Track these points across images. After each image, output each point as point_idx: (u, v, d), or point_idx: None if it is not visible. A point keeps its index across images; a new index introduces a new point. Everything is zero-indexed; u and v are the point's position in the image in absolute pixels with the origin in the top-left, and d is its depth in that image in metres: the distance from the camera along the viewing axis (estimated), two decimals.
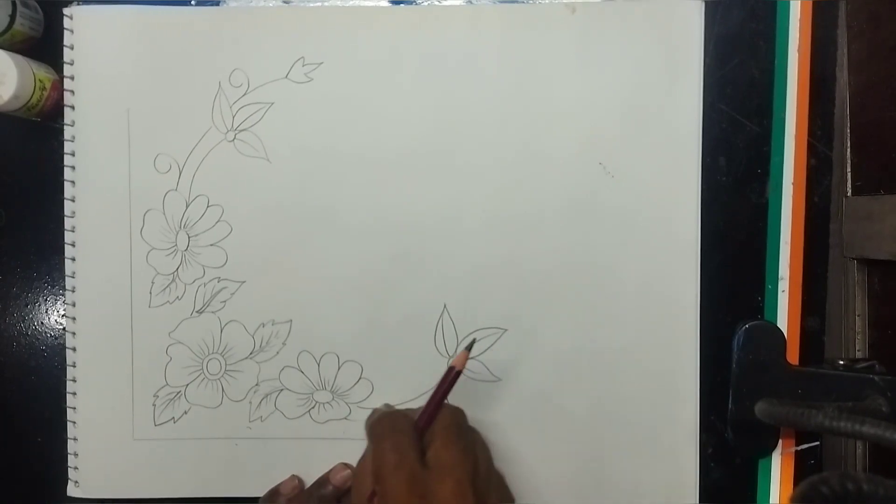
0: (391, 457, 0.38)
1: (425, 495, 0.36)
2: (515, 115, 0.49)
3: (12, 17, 0.47)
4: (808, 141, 0.49)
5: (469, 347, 0.44)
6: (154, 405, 0.50)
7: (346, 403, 0.50)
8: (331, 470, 0.49)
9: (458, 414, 0.42)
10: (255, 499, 0.50)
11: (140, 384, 0.50)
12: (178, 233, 0.50)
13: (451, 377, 0.42)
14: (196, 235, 0.50)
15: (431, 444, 0.39)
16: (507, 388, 0.49)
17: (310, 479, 0.50)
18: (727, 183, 0.49)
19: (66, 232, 0.50)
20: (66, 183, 0.50)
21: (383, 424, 0.41)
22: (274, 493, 0.49)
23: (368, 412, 0.49)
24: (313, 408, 0.50)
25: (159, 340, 0.50)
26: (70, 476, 0.51)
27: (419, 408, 0.43)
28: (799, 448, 0.49)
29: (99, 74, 0.50)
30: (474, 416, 0.48)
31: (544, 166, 0.49)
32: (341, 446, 0.50)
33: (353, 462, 0.49)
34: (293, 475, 0.50)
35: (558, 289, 0.49)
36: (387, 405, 0.48)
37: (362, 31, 0.49)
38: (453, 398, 0.42)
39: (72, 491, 0.51)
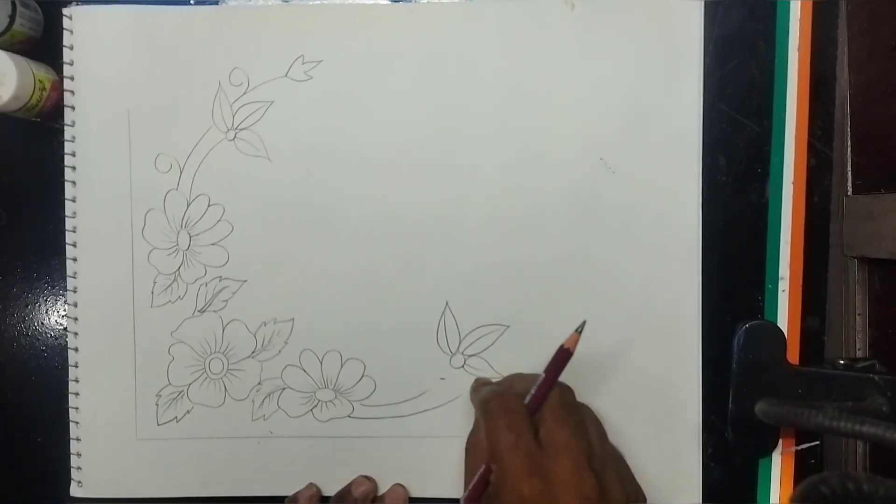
0: (507, 436, 0.38)
1: (544, 475, 0.36)
2: (515, 112, 0.49)
3: (12, 18, 0.47)
4: (808, 141, 0.49)
5: (580, 330, 0.42)
6: (157, 405, 0.50)
7: (349, 401, 0.50)
8: (352, 482, 0.49)
9: (568, 392, 0.42)
10: (258, 498, 0.51)
11: (142, 384, 0.50)
12: (179, 232, 0.50)
13: (562, 358, 0.42)
14: (197, 235, 0.50)
15: (543, 423, 0.39)
16: None
17: (312, 479, 0.50)
18: (727, 183, 0.49)
19: (67, 232, 0.50)
20: (66, 183, 0.50)
21: (496, 403, 0.40)
22: (292, 501, 0.49)
23: (370, 410, 0.50)
24: (316, 406, 0.50)
25: (161, 340, 0.50)
26: (73, 476, 0.51)
27: (521, 378, 0.43)
28: (799, 448, 0.49)
29: (99, 74, 0.50)
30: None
31: (545, 162, 0.49)
32: (344, 444, 0.50)
33: (365, 471, 0.50)
34: (310, 483, 0.50)
35: (560, 286, 0.49)
36: (485, 379, 0.47)
37: (361, 29, 0.49)
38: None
39: (75, 491, 0.51)
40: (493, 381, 0.47)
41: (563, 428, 0.38)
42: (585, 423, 0.40)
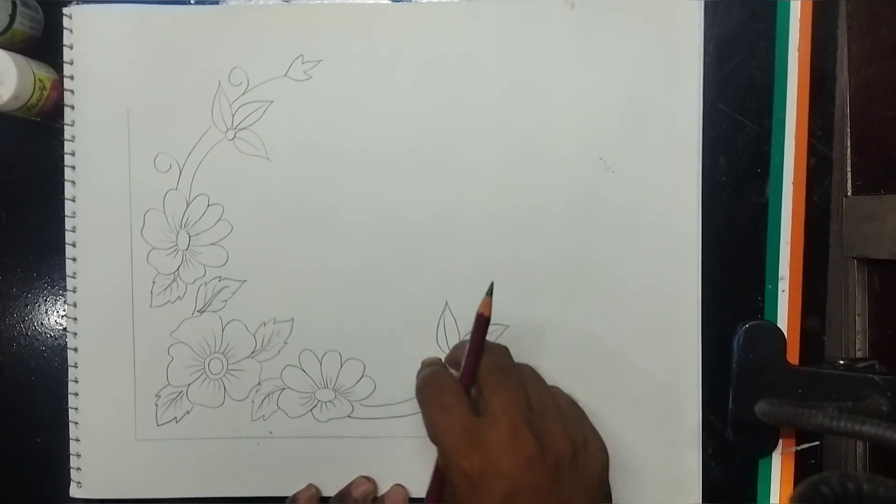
0: (442, 417, 0.38)
1: (482, 445, 0.37)
2: (515, 111, 0.49)
3: (12, 17, 0.47)
4: (808, 141, 0.49)
5: (490, 292, 0.42)
6: (156, 405, 0.50)
7: (349, 401, 0.50)
8: (351, 483, 0.49)
9: (500, 354, 0.42)
10: (257, 498, 0.50)
11: (142, 384, 0.50)
12: (178, 232, 0.50)
13: (480, 325, 0.42)
14: (197, 235, 0.50)
15: (480, 392, 0.39)
16: None
17: (312, 479, 0.50)
18: (727, 183, 0.49)
19: (66, 232, 0.50)
20: (66, 183, 0.50)
21: (428, 388, 0.41)
22: (292, 502, 0.49)
23: (370, 410, 0.50)
24: (315, 406, 0.50)
25: (161, 340, 0.50)
26: (73, 477, 0.51)
27: (463, 347, 0.43)
28: (799, 448, 0.49)
29: (99, 74, 0.50)
30: None
31: (545, 162, 0.49)
32: (344, 444, 0.50)
33: (364, 471, 0.50)
34: (310, 484, 0.50)
35: (560, 285, 0.49)
36: (431, 359, 0.46)
37: (361, 29, 0.49)
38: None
39: (74, 492, 0.51)
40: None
41: (498, 393, 0.39)
42: (522, 381, 0.40)
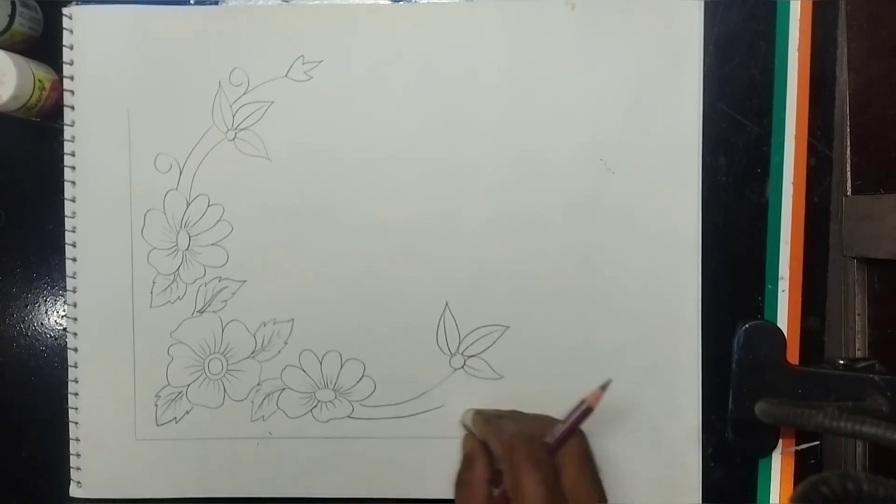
0: (537, 489, 0.38)
1: None
2: (515, 111, 0.49)
3: (12, 17, 0.47)
4: (808, 141, 0.49)
5: (604, 387, 0.43)
6: (156, 405, 0.50)
7: (349, 402, 0.50)
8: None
9: (586, 440, 0.43)
10: (257, 499, 0.51)
11: (142, 384, 0.50)
12: (178, 232, 0.50)
13: (585, 413, 0.43)
14: (197, 235, 0.50)
15: (565, 469, 0.41)
16: (508, 385, 0.49)
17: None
18: (727, 183, 0.49)
19: (66, 232, 0.50)
20: (66, 183, 0.50)
21: (524, 451, 0.40)
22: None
23: (370, 410, 0.50)
24: (315, 406, 0.50)
25: (161, 340, 0.50)
26: (72, 476, 0.51)
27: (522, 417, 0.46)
28: (799, 448, 0.49)
29: (98, 74, 0.50)
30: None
31: (545, 163, 0.49)
32: (344, 445, 0.50)
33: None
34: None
35: (560, 286, 0.49)
36: (492, 411, 0.48)
37: (362, 29, 0.49)
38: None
39: (74, 491, 0.51)
40: (498, 413, 0.48)
41: (585, 478, 0.41)
42: (598, 473, 0.42)
